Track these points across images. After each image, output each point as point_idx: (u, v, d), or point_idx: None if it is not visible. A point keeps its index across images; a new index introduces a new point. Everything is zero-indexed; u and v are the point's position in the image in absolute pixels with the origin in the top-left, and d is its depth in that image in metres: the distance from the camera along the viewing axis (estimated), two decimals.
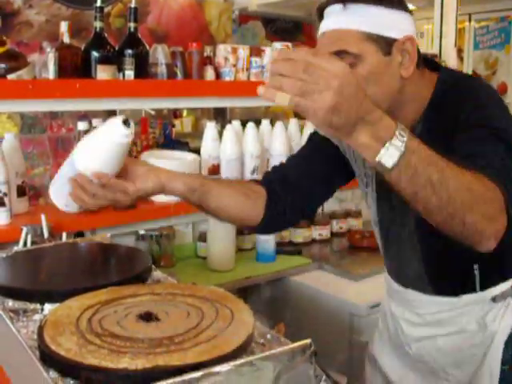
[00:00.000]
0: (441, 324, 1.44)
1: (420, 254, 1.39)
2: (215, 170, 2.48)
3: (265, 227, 1.49)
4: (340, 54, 1.18)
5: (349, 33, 1.20)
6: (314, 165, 1.50)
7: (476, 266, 1.35)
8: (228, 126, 2.47)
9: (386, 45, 1.20)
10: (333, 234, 2.86)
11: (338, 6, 1.22)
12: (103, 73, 2.03)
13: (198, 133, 4.17)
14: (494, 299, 1.38)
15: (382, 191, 1.42)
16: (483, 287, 1.38)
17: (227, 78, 2.38)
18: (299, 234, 2.65)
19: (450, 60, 3.43)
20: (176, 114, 4.47)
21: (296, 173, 1.50)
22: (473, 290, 1.38)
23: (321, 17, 1.28)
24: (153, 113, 3.64)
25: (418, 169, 0.95)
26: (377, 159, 0.95)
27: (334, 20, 1.22)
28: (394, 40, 1.21)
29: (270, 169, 1.59)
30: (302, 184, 1.49)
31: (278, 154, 2.57)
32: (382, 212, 1.48)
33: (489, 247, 1.05)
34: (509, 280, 1.40)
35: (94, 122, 2.19)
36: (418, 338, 1.49)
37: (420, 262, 1.41)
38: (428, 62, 1.34)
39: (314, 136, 1.56)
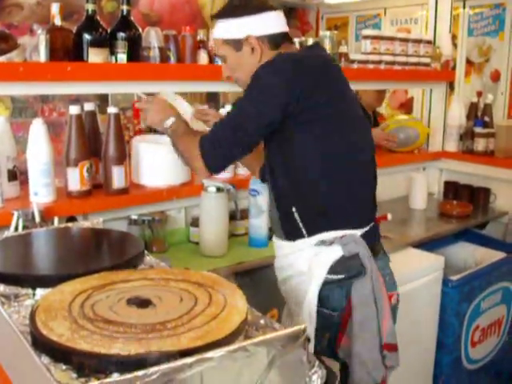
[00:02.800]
0: (287, 268, 1.76)
1: (274, 199, 1.74)
2: None
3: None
4: (219, 55, 1.80)
5: (217, 41, 1.76)
6: None
7: (294, 209, 1.66)
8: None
9: (237, 44, 1.70)
10: None
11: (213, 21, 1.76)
12: (95, 56, 2.01)
13: None
14: (319, 244, 1.66)
15: None
16: (310, 234, 1.67)
17: (220, 62, 2.36)
18: None
19: (445, 46, 3.41)
20: None
21: None
22: (302, 236, 1.68)
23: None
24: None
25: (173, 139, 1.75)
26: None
27: (214, 30, 1.76)
28: (241, 39, 1.68)
29: None
30: None
31: None
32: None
33: (201, 175, 1.80)
34: (330, 231, 1.66)
35: (86, 106, 2.17)
36: (281, 280, 1.81)
37: (274, 205, 1.75)
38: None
39: None
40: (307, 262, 1.67)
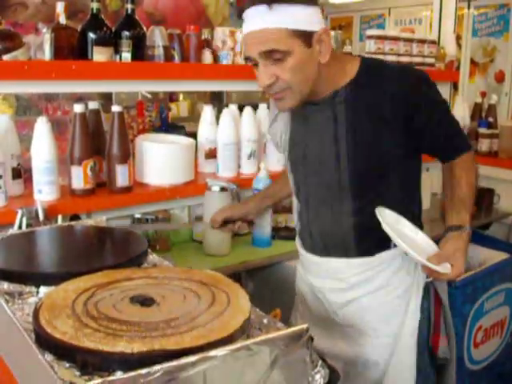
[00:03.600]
0: (364, 284, 1.58)
1: (352, 214, 1.54)
2: (211, 153, 2.47)
3: None
4: (271, 52, 1.37)
5: (277, 31, 1.36)
6: None
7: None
8: (225, 110, 2.46)
9: (308, 38, 1.39)
10: None
11: (263, 7, 1.35)
12: (100, 55, 2.01)
13: (194, 117, 4.18)
14: (407, 253, 1.49)
15: (294, 165, 1.64)
16: (396, 244, 1.51)
17: (225, 62, 2.36)
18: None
19: (449, 47, 3.41)
20: (172, 97, 4.46)
21: None
22: (387, 247, 1.55)
23: (240, 17, 1.44)
24: (149, 96, 3.63)
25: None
26: None
27: (261, 20, 1.36)
28: (314, 32, 1.39)
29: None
30: None
31: None
32: (299, 178, 1.65)
33: None
34: None
35: (90, 104, 2.17)
36: (344, 302, 1.61)
37: (349, 224, 1.55)
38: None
39: None
40: (390, 274, 1.58)
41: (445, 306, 1.62)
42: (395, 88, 1.45)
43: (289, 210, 2.63)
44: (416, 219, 1.59)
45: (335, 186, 1.53)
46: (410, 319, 1.58)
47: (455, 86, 4.20)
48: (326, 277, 1.63)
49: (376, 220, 1.41)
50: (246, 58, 1.44)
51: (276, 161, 2.58)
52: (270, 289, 2.33)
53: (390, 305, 1.58)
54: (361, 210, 1.52)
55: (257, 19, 1.37)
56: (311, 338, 0.94)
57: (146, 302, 1.03)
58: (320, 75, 1.45)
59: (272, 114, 1.70)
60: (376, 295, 1.58)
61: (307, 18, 1.38)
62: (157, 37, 2.19)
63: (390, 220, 1.45)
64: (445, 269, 1.40)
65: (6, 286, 1.14)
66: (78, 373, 0.85)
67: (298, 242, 1.73)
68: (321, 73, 1.45)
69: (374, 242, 1.55)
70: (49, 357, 0.88)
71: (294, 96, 1.44)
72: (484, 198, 3.23)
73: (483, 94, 4.88)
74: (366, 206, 1.50)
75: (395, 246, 1.51)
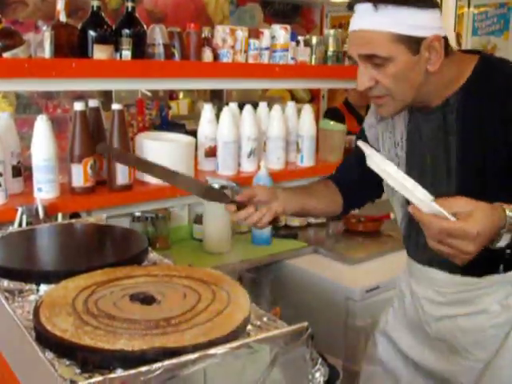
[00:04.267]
0: (463, 304, 1.46)
1: None
2: (212, 152, 2.47)
3: (344, 213, 1.73)
4: (370, 57, 1.29)
5: (379, 35, 1.26)
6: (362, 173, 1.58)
7: (509, 250, 1.31)
8: (225, 109, 2.46)
9: (415, 44, 1.27)
10: (328, 218, 2.86)
11: (369, 6, 1.27)
12: (100, 52, 2.01)
13: (194, 115, 4.16)
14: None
15: (411, 170, 1.46)
16: (507, 269, 1.40)
17: (225, 60, 2.36)
18: (295, 218, 2.65)
19: None
20: (172, 95, 4.45)
21: (352, 178, 1.68)
22: (496, 271, 1.40)
23: (351, 9, 1.34)
24: (149, 94, 3.62)
25: None
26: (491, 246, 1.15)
27: (365, 20, 1.28)
28: (423, 38, 1.26)
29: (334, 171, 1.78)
30: (362, 187, 1.67)
31: (275, 137, 2.57)
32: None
33: None
34: None
35: (90, 102, 2.17)
36: (439, 317, 1.51)
37: None
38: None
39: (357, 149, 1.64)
40: (494, 300, 1.43)
41: None
42: (500, 96, 1.30)
43: None
44: None
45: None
46: (507, 351, 1.43)
47: None
48: (426, 286, 1.54)
49: None
50: (349, 57, 1.38)
51: (276, 159, 2.58)
52: (269, 287, 2.33)
53: (486, 332, 1.45)
54: None
55: (361, 18, 1.30)
56: (311, 336, 0.94)
57: (146, 299, 1.03)
58: (428, 83, 1.33)
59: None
60: (473, 319, 1.46)
61: (418, 23, 1.26)
62: (157, 35, 2.19)
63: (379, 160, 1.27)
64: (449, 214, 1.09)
65: (6, 283, 1.14)
66: (78, 370, 0.85)
67: (403, 242, 1.63)
68: (429, 80, 1.33)
69: (481, 262, 1.26)
70: (49, 354, 0.88)
71: (394, 104, 1.35)
72: None
73: None
74: None
75: (505, 271, 1.39)
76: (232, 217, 1.51)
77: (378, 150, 1.52)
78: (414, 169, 1.47)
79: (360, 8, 1.30)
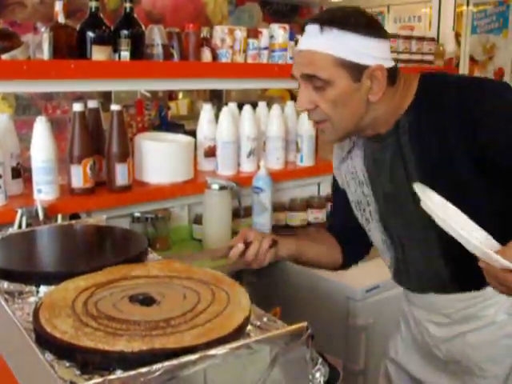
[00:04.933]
0: (468, 320, 1.43)
1: (441, 254, 1.39)
2: (211, 152, 2.47)
3: (343, 267, 1.66)
4: (311, 78, 1.28)
5: (322, 57, 1.25)
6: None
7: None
8: (224, 109, 2.46)
9: (357, 71, 1.26)
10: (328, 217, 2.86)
11: (315, 28, 1.26)
12: (99, 53, 2.01)
13: (193, 115, 4.17)
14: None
15: (383, 203, 1.46)
16: None
17: (224, 60, 2.36)
18: (295, 218, 2.65)
19: (448, 44, 3.41)
20: (171, 96, 4.45)
21: (347, 223, 1.61)
22: None
23: (303, 31, 1.32)
24: (148, 95, 3.62)
25: None
26: None
27: (311, 41, 1.28)
28: (366, 67, 1.26)
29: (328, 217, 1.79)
30: (355, 231, 1.59)
31: (275, 137, 2.57)
32: (390, 222, 1.47)
33: None
34: None
35: (90, 103, 2.17)
36: (447, 338, 1.48)
37: (441, 263, 1.40)
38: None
39: (336, 190, 1.65)
40: (498, 310, 1.40)
41: None
42: (454, 105, 1.27)
43: (289, 209, 2.64)
44: None
45: (418, 226, 1.37)
46: None
47: None
48: (428, 310, 1.51)
49: (471, 254, 1.14)
50: (292, 76, 1.36)
51: (276, 158, 2.58)
52: (269, 287, 2.33)
53: (498, 344, 1.41)
54: (449, 247, 1.27)
55: (307, 38, 1.29)
56: (311, 336, 0.94)
57: (145, 300, 1.03)
58: (372, 111, 1.32)
59: (342, 151, 1.53)
60: (483, 332, 1.42)
61: (362, 50, 1.25)
62: (156, 35, 2.19)
63: (436, 202, 1.20)
64: None
65: (5, 285, 1.14)
66: (78, 372, 0.85)
67: (393, 278, 1.58)
68: (373, 109, 1.32)
69: (473, 276, 1.25)
70: (49, 356, 0.87)
71: (334, 131, 1.33)
72: None
73: None
74: (455, 242, 1.20)
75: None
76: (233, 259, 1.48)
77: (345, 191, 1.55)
78: (381, 204, 1.46)
79: (308, 29, 1.29)
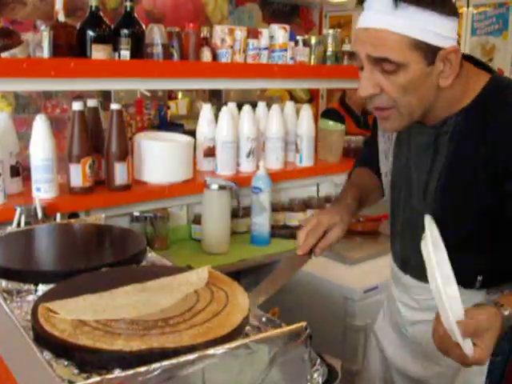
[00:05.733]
0: (433, 310, 1.42)
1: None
2: (210, 151, 2.47)
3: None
4: (380, 61, 1.16)
5: (396, 38, 1.14)
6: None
7: (480, 278, 1.34)
8: (224, 108, 2.46)
9: (431, 54, 1.16)
10: None
11: (388, 3, 1.14)
12: (98, 52, 2.01)
13: (193, 115, 4.17)
14: (488, 293, 1.36)
15: (395, 182, 1.46)
16: (483, 286, 1.36)
17: (224, 60, 2.36)
18: (294, 218, 2.65)
19: None
20: (171, 95, 4.46)
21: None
22: (472, 286, 1.35)
23: (360, 4, 1.23)
24: (148, 94, 3.62)
25: None
26: None
27: (382, 18, 1.15)
28: (440, 49, 1.16)
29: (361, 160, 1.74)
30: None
31: (274, 137, 2.57)
32: (397, 201, 1.48)
33: None
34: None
35: (89, 102, 2.17)
36: (414, 321, 1.51)
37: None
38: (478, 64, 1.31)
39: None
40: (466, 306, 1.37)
41: None
42: (499, 133, 1.20)
43: (287, 209, 2.64)
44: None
45: (417, 212, 1.35)
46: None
47: None
48: (402, 291, 1.53)
49: (455, 258, 1.13)
50: (352, 54, 1.29)
51: (275, 159, 2.58)
52: None
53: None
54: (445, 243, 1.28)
55: (376, 15, 1.16)
56: (310, 337, 0.94)
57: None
58: (437, 99, 1.23)
59: None
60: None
61: (438, 30, 1.14)
62: (156, 35, 2.19)
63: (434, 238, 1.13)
64: (467, 346, 1.06)
65: (4, 283, 1.14)
66: (76, 371, 0.85)
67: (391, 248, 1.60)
68: (439, 96, 1.23)
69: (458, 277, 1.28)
70: (47, 355, 0.87)
71: (400, 118, 1.23)
72: None
73: None
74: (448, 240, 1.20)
75: (481, 287, 1.34)
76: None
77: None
78: (396, 183, 1.45)
79: (376, 4, 1.16)
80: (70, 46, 2.00)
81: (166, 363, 0.80)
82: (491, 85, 1.26)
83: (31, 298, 1.09)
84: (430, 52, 1.15)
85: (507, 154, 1.19)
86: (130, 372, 0.78)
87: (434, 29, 1.14)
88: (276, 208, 2.57)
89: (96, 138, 2.14)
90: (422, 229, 1.32)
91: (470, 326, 1.05)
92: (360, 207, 1.54)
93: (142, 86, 2.16)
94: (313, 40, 2.65)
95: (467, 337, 1.04)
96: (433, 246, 1.07)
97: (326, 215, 1.44)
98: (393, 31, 1.13)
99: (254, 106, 2.63)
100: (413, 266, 1.46)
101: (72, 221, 1.65)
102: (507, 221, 1.25)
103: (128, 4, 2.11)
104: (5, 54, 1.85)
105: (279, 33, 2.49)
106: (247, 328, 0.98)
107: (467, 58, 1.30)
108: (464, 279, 1.29)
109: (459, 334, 1.03)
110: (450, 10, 1.16)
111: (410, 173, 1.39)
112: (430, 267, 1.07)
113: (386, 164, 1.52)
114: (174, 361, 0.81)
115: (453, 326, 1.04)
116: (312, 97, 4.39)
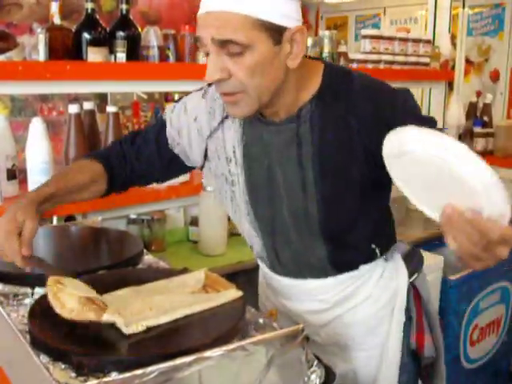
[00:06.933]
0: (344, 301, 1.44)
1: (322, 239, 1.34)
2: None
3: (108, 194, 1.52)
4: (226, 43, 1.12)
5: (239, 18, 1.10)
6: (158, 158, 1.51)
7: (374, 246, 1.40)
8: None
9: (277, 34, 1.13)
10: None
11: None
12: (94, 55, 2.00)
13: None
14: (386, 259, 1.45)
15: (255, 187, 1.38)
16: (383, 253, 1.44)
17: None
18: None
19: (444, 46, 3.42)
20: (168, 98, 4.45)
21: (141, 160, 1.51)
22: (371, 259, 1.42)
23: None
24: (145, 96, 3.62)
25: None
26: None
27: (224, 0, 1.10)
28: (286, 29, 1.14)
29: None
30: (142, 168, 1.51)
31: None
32: (261, 206, 1.39)
33: None
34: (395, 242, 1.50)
35: (85, 105, 2.17)
36: (325, 322, 1.46)
37: (320, 245, 1.36)
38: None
39: (161, 134, 1.51)
40: (372, 284, 1.44)
41: (426, 304, 1.51)
42: (361, 104, 1.25)
43: None
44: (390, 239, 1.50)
45: (302, 213, 1.33)
46: (395, 324, 1.46)
47: (450, 86, 4.20)
48: (302, 299, 1.46)
49: (351, 239, 1.28)
50: (196, 40, 1.18)
51: None
52: None
53: (374, 316, 1.45)
54: (332, 236, 1.34)
55: None
56: (307, 338, 0.94)
57: None
58: (286, 83, 1.22)
59: (217, 116, 1.40)
60: (358, 309, 1.44)
61: (282, 10, 1.12)
62: (152, 37, 2.19)
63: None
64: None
65: (1, 287, 1.14)
66: (73, 374, 0.85)
67: (261, 264, 1.54)
68: (287, 80, 1.22)
69: (354, 258, 1.40)
70: (44, 358, 0.87)
71: (250, 102, 1.19)
72: None
73: (478, 94, 4.89)
74: (339, 233, 1.34)
75: (381, 254, 1.42)
76: None
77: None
78: (257, 185, 1.37)
79: None
80: (65, 49, 2.00)
81: (162, 366, 0.80)
82: (329, 70, 1.29)
83: (28, 301, 1.10)
84: (275, 32, 1.13)
85: (371, 114, 1.23)
86: (127, 375, 0.78)
87: (278, 9, 1.12)
88: None
89: (92, 141, 2.13)
90: (304, 230, 1.34)
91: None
92: (54, 202, 1.38)
93: (139, 88, 2.16)
94: (309, 41, 2.66)
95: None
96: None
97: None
98: (236, 12, 1.10)
99: None
100: (310, 266, 1.42)
101: (68, 224, 1.65)
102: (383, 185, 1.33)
103: (124, 6, 2.11)
104: (1, 57, 1.85)
105: None
106: (244, 330, 0.98)
107: None
108: (365, 253, 1.41)
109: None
110: None
111: (275, 175, 1.34)
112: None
113: (222, 167, 1.42)
114: (170, 363, 0.81)
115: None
116: None
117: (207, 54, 1.17)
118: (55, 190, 1.36)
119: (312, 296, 1.45)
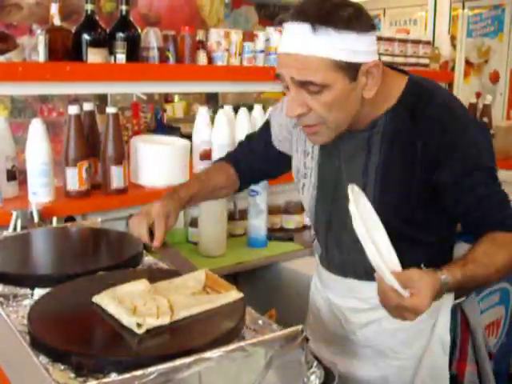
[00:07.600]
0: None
1: None
2: (207, 155, 2.47)
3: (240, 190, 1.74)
4: (306, 84, 1.19)
5: (316, 61, 1.17)
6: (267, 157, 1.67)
7: (422, 265, 1.33)
8: (220, 111, 2.46)
9: (353, 71, 1.20)
10: None
11: (306, 26, 1.16)
12: (94, 56, 2.01)
13: (189, 118, 4.18)
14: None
15: (323, 183, 1.46)
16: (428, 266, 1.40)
17: (219, 63, 2.36)
18: (291, 220, 2.65)
19: (444, 47, 3.42)
20: (167, 98, 4.46)
21: (255, 157, 1.69)
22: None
23: (280, 24, 1.25)
24: (144, 97, 3.63)
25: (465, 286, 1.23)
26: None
27: (302, 43, 1.17)
28: (361, 64, 1.20)
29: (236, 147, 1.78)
30: (261, 166, 1.70)
31: None
32: (323, 202, 1.47)
33: None
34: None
35: (85, 105, 2.17)
36: (364, 323, 1.49)
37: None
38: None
39: (266, 132, 1.65)
40: None
41: (473, 330, 1.48)
42: (429, 134, 1.27)
43: (284, 212, 2.64)
44: None
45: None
46: (435, 342, 1.45)
47: (450, 87, 4.22)
48: (345, 295, 1.51)
49: (399, 246, 1.21)
50: (277, 76, 1.25)
51: None
52: (265, 290, 2.33)
53: (413, 329, 1.43)
54: None
55: (296, 40, 1.18)
56: (306, 339, 0.94)
57: None
58: (362, 108, 1.28)
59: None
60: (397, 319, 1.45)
61: (357, 48, 1.18)
62: (151, 38, 2.19)
63: (361, 206, 1.19)
64: (403, 290, 1.13)
65: (0, 288, 1.14)
66: (72, 375, 0.85)
67: (316, 258, 1.62)
68: (363, 105, 1.28)
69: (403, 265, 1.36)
70: (43, 359, 0.87)
71: (329, 132, 1.28)
72: None
73: (478, 95, 4.90)
74: (391, 235, 1.29)
75: (424, 266, 1.37)
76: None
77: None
78: (325, 183, 1.44)
79: (295, 28, 1.19)
80: (65, 50, 2.00)
81: (162, 367, 0.80)
82: (411, 84, 1.33)
83: (27, 302, 1.09)
84: (351, 69, 1.19)
85: (436, 144, 1.27)
86: (127, 376, 0.78)
87: (353, 47, 1.18)
88: (273, 211, 2.57)
89: (92, 142, 2.13)
90: (352, 230, 1.30)
91: (401, 275, 1.13)
92: (196, 201, 1.66)
93: (138, 89, 2.17)
94: None
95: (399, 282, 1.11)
96: (355, 203, 1.12)
97: (154, 206, 1.49)
98: (314, 55, 1.17)
99: (250, 108, 2.64)
100: (356, 267, 1.45)
101: (68, 225, 1.65)
102: (444, 209, 1.34)
103: (124, 8, 2.11)
104: (0, 58, 1.85)
105: (275, 35, 2.49)
106: (244, 331, 0.98)
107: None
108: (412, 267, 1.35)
109: (390, 275, 1.10)
110: (366, 26, 1.20)
111: (342, 177, 1.40)
112: (356, 219, 1.11)
113: (299, 160, 1.52)
114: (170, 364, 0.81)
115: (382, 267, 1.10)
116: None
117: (287, 87, 1.25)
118: (198, 191, 1.60)
119: (354, 293, 1.49)
